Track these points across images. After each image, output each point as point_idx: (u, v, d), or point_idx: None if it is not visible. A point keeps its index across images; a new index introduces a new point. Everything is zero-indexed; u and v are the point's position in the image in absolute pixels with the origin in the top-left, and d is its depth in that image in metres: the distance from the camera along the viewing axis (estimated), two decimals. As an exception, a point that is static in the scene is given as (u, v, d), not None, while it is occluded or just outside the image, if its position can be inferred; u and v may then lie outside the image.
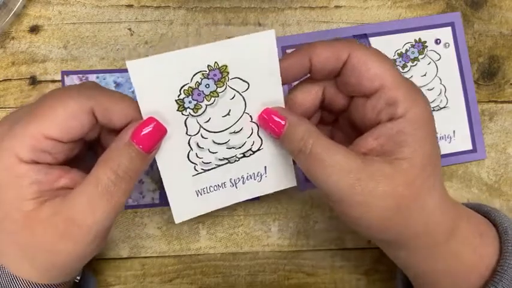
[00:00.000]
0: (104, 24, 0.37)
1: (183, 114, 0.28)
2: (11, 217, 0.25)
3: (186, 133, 0.28)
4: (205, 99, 0.28)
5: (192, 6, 0.37)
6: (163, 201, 0.37)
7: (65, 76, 0.36)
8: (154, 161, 0.28)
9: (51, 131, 0.25)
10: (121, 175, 0.26)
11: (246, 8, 0.38)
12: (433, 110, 0.39)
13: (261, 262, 0.38)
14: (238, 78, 0.28)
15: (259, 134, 0.30)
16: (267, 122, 0.28)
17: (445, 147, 0.39)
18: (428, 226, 0.27)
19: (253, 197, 0.32)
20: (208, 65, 0.27)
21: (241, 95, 0.28)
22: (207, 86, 0.28)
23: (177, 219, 0.30)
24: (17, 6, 0.35)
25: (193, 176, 0.30)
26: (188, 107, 0.28)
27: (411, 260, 0.29)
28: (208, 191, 0.30)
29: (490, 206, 0.32)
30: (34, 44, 0.36)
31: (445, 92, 0.39)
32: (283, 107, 0.29)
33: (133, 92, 0.36)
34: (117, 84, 0.37)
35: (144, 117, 0.27)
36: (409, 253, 0.28)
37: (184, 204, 0.30)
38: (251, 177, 0.31)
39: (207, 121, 0.29)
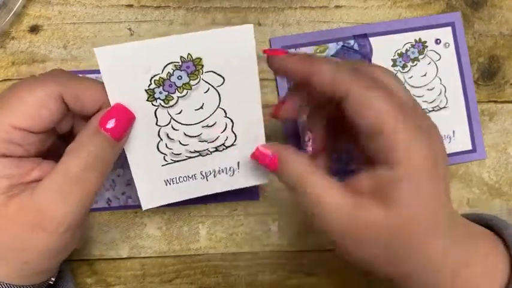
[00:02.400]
0: (104, 24, 0.37)
1: (153, 105, 0.27)
2: None
3: (156, 124, 0.28)
4: (177, 91, 0.27)
5: (192, 6, 0.37)
6: (163, 201, 0.37)
7: (65, 76, 0.36)
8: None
9: (20, 121, 0.24)
10: (90, 163, 0.25)
11: (246, 8, 0.38)
12: (433, 110, 0.39)
13: (261, 262, 0.38)
14: (213, 72, 0.27)
15: (234, 130, 0.29)
16: (260, 160, 0.28)
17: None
18: (426, 268, 0.26)
19: (224, 190, 0.31)
20: (181, 57, 0.26)
21: (215, 89, 0.28)
22: (179, 77, 0.27)
23: (145, 206, 0.30)
24: (17, 6, 0.35)
25: (162, 166, 0.29)
26: (159, 98, 0.27)
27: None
28: (178, 181, 0.30)
29: (491, 215, 0.31)
30: (34, 44, 0.36)
31: (445, 92, 0.39)
32: (259, 104, 0.29)
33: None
34: (117, 84, 0.37)
35: (112, 104, 0.26)
36: (415, 284, 0.27)
37: (152, 192, 0.30)
38: (223, 171, 0.31)
39: (179, 113, 0.28)
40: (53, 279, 0.30)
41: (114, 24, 0.37)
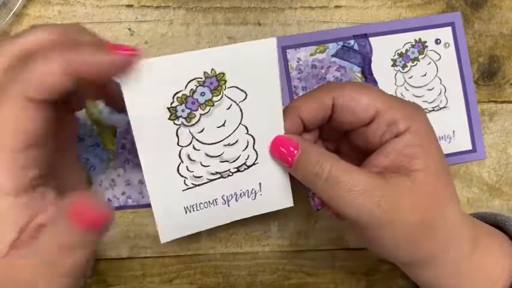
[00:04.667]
0: (104, 24, 0.37)
1: (174, 124, 0.26)
2: None
3: (177, 144, 0.27)
4: (199, 108, 0.26)
5: (192, 6, 0.37)
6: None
7: (65, 76, 0.36)
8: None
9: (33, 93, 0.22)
10: (60, 247, 0.22)
11: (246, 8, 0.38)
12: (433, 110, 0.39)
13: (261, 262, 0.38)
14: (236, 87, 0.26)
15: (255, 147, 0.28)
16: (277, 149, 0.28)
17: (445, 147, 0.39)
18: (453, 239, 0.27)
19: (246, 217, 0.30)
20: (205, 72, 0.25)
21: (238, 105, 0.27)
22: (202, 94, 0.26)
23: (163, 239, 0.28)
24: (16, 6, 0.35)
25: (183, 191, 0.28)
26: (181, 116, 0.26)
27: (436, 279, 0.28)
28: (198, 208, 0.29)
29: (492, 212, 0.32)
30: (34, 44, 0.36)
31: (445, 92, 0.39)
32: (281, 119, 0.28)
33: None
34: (117, 85, 0.36)
35: (134, 127, 0.24)
36: (435, 271, 0.28)
37: (171, 222, 0.28)
38: (245, 195, 0.29)
39: (200, 131, 0.27)
40: None
41: (114, 24, 0.37)
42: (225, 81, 0.26)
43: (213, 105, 0.26)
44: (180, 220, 0.28)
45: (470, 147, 0.39)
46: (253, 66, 0.26)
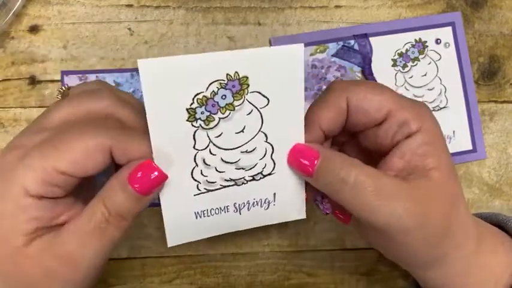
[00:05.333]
0: (103, 24, 0.37)
1: (192, 126, 0.25)
2: (2, 248, 0.24)
3: (194, 147, 0.26)
4: (219, 112, 0.25)
5: (192, 6, 0.37)
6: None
7: (65, 76, 0.36)
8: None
9: (65, 166, 0.24)
10: (113, 214, 0.25)
11: (246, 8, 0.38)
12: (433, 110, 0.39)
13: (261, 262, 0.38)
14: (258, 92, 0.25)
15: (273, 157, 0.27)
16: (297, 159, 0.27)
17: (445, 147, 0.39)
18: (463, 234, 0.27)
19: (257, 226, 0.29)
20: (228, 74, 0.24)
21: (259, 111, 0.26)
22: (224, 97, 0.25)
23: (170, 243, 0.28)
24: (16, 6, 0.35)
25: (194, 195, 0.27)
26: (199, 118, 0.25)
27: (445, 278, 0.28)
28: (209, 214, 0.28)
29: (493, 212, 0.32)
30: (34, 44, 0.36)
31: (445, 92, 0.39)
32: (302, 129, 0.27)
33: (133, 92, 0.36)
34: (117, 84, 0.36)
35: (150, 125, 0.24)
36: (444, 270, 0.27)
37: (180, 226, 0.28)
38: (257, 204, 0.28)
39: (218, 136, 0.26)
40: None
41: (114, 24, 0.37)
42: (248, 85, 0.25)
43: (233, 110, 0.25)
44: (189, 225, 0.28)
45: (470, 147, 0.39)
46: (278, 71, 0.25)
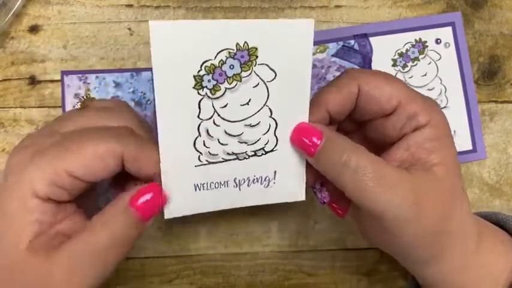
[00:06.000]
0: (103, 24, 0.37)
1: (198, 94, 0.25)
2: (3, 249, 0.24)
3: (198, 116, 0.25)
4: (226, 82, 0.25)
5: (192, 6, 0.37)
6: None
7: (65, 76, 0.36)
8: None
9: (75, 169, 0.24)
10: (112, 241, 0.25)
11: (246, 8, 0.38)
12: (434, 110, 0.39)
13: (261, 262, 0.38)
14: (266, 65, 0.25)
15: (276, 133, 0.27)
16: (299, 137, 0.27)
17: (446, 147, 0.39)
18: (463, 232, 0.27)
19: (256, 204, 0.29)
20: (237, 44, 0.24)
21: (265, 84, 0.26)
22: (231, 66, 0.25)
23: (168, 215, 0.27)
24: (16, 6, 0.35)
25: (195, 166, 0.27)
26: (206, 87, 0.25)
27: (443, 274, 0.28)
28: (209, 187, 0.27)
29: (493, 211, 0.32)
30: (33, 44, 0.36)
31: (445, 92, 0.39)
32: (307, 107, 0.27)
33: (133, 92, 0.36)
34: (117, 84, 0.36)
35: (157, 91, 0.24)
36: (442, 266, 0.27)
37: (179, 198, 0.27)
38: (257, 181, 0.28)
39: (223, 106, 0.26)
40: None
41: (114, 24, 0.37)
42: (256, 56, 0.25)
43: (240, 81, 0.25)
44: (188, 197, 0.27)
45: (470, 147, 0.39)
46: (287, 45, 0.25)
